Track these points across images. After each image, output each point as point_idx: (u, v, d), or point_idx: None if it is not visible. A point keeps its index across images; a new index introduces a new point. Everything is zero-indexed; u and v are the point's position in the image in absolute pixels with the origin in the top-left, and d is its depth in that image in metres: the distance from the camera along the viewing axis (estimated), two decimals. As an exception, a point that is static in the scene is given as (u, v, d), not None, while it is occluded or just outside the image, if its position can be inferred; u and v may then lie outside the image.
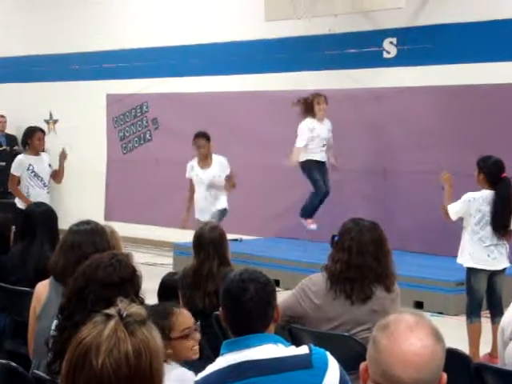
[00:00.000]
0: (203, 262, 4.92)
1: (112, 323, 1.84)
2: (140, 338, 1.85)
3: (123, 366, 1.81)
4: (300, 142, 9.67)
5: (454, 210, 6.53)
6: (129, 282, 3.15)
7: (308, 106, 9.70)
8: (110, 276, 3.13)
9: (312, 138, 9.67)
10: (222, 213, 9.10)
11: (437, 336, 1.96)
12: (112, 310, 1.88)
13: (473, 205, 6.42)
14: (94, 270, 3.17)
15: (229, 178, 8.96)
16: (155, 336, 1.89)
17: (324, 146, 9.78)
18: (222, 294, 3.06)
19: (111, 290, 3.04)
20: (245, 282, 3.00)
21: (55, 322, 3.27)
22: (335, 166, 9.95)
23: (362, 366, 1.99)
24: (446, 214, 6.57)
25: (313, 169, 9.82)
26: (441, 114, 9.80)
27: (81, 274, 3.20)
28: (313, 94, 9.77)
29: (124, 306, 1.89)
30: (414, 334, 1.93)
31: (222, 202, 9.11)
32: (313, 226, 9.91)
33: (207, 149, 9.01)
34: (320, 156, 9.78)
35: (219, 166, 9.00)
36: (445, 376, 1.97)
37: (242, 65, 11.50)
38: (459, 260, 6.62)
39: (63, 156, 9.25)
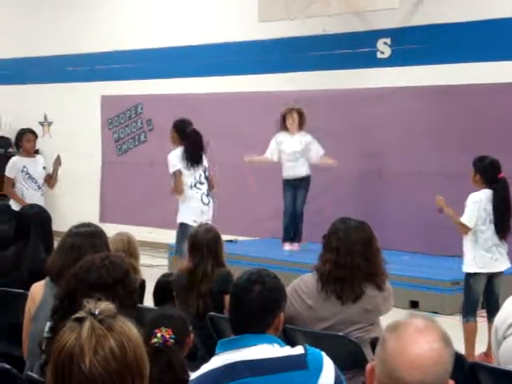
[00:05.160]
0: (198, 264, 4.91)
1: (87, 324, 1.85)
2: (119, 331, 1.86)
3: (111, 362, 1.82)
4: (268, 154, 9.90)
5: (468, 217, 6.42)
6: (121, 283, 3.13)
7: (282, 120, 9.82)
8: (102, 277, 3.12)
9: (280, 151, 9.82)
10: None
11: (445, 341, 1.95)
12: (82, 313, 1.88)
13: (481, 205, 6.42)
14: (87, 271, 3.16)
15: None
16: (131, 327, 1.91)
17: (296, 159, 9.78)
18: (231, 286, 3.13)
19: (103, 292, 3.02)
20: (251, 282, 3.01)
21: (48, 323, 3.26)
22: (333, 165, 9.85)
23: (369, 366, 1.99)
24: (463, 226, 6.44)
25: (284, 189, 9.96)
26: (435, 114, 9.80)
27: (73, 276, 3.18)
28: (286, 108, 9.84)
29: (92, 305, 1.90)
30: (422, 337, 1.92)
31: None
32: (287, 248, 9.98)
33: None
34: (292, 172, 9.82)
35: None
36: (451, 383, 1.96)
37: (236, 66, 11.50)
38: (464, 268, 6.54)
39: (58, 162, 9.19)
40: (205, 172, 8.66)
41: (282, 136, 9.82)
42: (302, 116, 9.77)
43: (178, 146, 8.60)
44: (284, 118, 9.81)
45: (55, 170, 9.18)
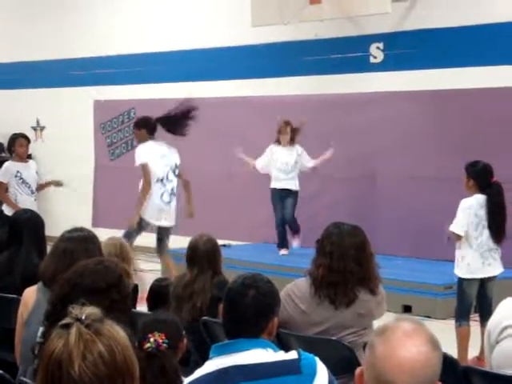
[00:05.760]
0: (197, 277, 4.89)
1: (74, 329, 1.83)
2: (107, 335, 1.85)
3: (101, 366, 1.81)
4: (258, 161, 10.03)
5: (459, 225, 6.44)
6: (114, 288, 3.12)
7: (277, 132, 9.98)
8: (95, 282, 3.12)
9: (272, 161, 9.92)
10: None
11: (433, 344, 1.96)
12: (68, 319, 1.87)
13: (471, 211, 6.42)
14: (80, 276, 3.15)
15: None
16: (119, 330, 1.89)
17: (287, 171, 9.87)
18: (224, 291, 3.11)
19: (97, 296, 3.02)
20: (245, 287, 3.01)
21: (41, 328, 3.26)
22: (330, 155, 9.91)
23: (358, 370, 1.99)
24: (455, 235, 6.46)
25: (272, 198, 10.05)
26: (428, 119, 9.83)
27: (66, 281, 3.17)
28: (281, 121, 9.91)
29: (78, 310, 1.89)
30: (410, 341, 1.93)
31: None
32: (283, 252, 10.08)
33: None
34: (280, 183, 9.93)
35: None
36: None
37: (229, 70, 11.51)
38: (457, 271, 6.57)
39: (56, 183, 9.44)
40: (174, 170, 8.66)
41: (275, 148, 9.99)
42: (294, 131, 9.87)
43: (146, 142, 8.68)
44: (278, 132, 9.98)
45: (48, 185, 9.45)
